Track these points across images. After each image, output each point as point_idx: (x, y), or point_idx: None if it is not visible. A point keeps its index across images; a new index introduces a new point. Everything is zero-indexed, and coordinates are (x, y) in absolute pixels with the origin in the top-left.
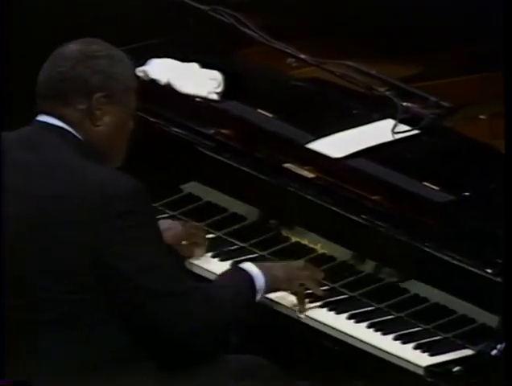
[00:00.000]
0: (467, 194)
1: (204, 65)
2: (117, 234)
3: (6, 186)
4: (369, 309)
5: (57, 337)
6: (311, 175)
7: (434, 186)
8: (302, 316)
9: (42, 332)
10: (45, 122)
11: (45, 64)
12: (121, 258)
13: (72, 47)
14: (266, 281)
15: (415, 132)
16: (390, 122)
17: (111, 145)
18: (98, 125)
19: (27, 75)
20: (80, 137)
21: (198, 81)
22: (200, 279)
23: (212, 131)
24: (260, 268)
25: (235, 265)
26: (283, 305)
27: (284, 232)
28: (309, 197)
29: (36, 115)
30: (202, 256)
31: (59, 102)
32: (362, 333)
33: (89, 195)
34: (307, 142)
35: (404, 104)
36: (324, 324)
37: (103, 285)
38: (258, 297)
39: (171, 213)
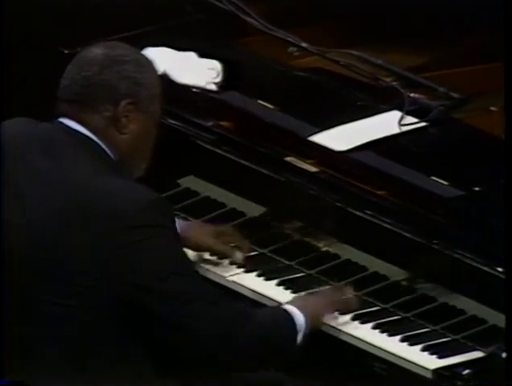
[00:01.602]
0: (477, 189)
1: (203, 54)
2: (128, 248)
3: (18, 191)
4: (375, 309)
5: (65, 352)
6: (314, 169)
7: (442, 181)
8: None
9: (49, 346)
10: (68, 126)
11: (68, 68)
12: (134, 271)
13: (97, 51)
14: (307, 321)
15: (423, 124)
16: (396, 114)
17: (135, 154)
18: (124, 133)
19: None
20: (103, 145)
21: (196, 71)
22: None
23: (210, 123)
24: (299, 308)
25: (275, 305)
26: None
27: (285, 229)
28: (312, 192)
29: (53, 116)
30: (241, 259)
31: (84, 108)
32: (367, 334)
33: (102, 209)
34: (310, 135)
35: (411, 94)
36: (327, 325)
37: (116, 299)
38: (300, 337)
39: None
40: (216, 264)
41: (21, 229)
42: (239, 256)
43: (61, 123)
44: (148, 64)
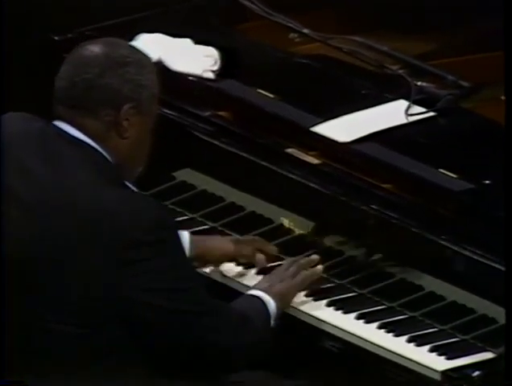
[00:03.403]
0: (487, 182)
1: (199, 41)
2: (129, 265)
3: (16, 202)
4: (380, 308)
5: (67, 361)
6: (316, 161)
7: (451, 174)
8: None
9: (50, 355)
10: (65, 132)
11: (65, 68)
12: (138, 290)
13: (97, 51)
14: (277, 304)
15: (431, 114)
16: (403, 103)
17: (135, 156)
18: (125, 137)
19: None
20: (103, 151)
21: (192, 58)
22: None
23: (207, 113)
24: (268, 292)
25: (248, 294)
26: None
27: (287, 224)
28: (314, 185)
29: (51, 117)
30: (264, 263)
31: (83, 112)
32: (373, 334)
33: (103, 223)
34: (312, 125)
35: (419, 83)
36: (331, 324)
37: (117, 315)
38: (272, 322)
39: (163, 203)
40: (241, 275)
41: (18, 240)
42: (262, 258)
43: (59, 128)
44: (149, 64)
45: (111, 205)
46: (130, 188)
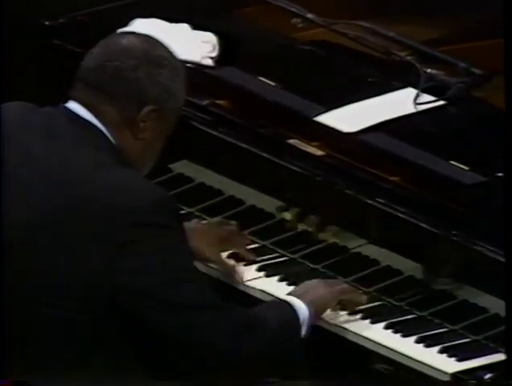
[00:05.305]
0: (500, 174)
1: (197, 26)
2: (128, 248)
3: (17, 185)
4: (387, 307)
5: (65, 353)
6: (319, 153)
7: (462, 166)
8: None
9: (48, 347)
10: (77, 114)
11: (97, 50)
12: (132, 273)
13: (135, 43)
14: (310, 311)
15: (441, 103)
16: (411, 92)
17: (143, 159)
18: (139, 139)
19: None
20: (111, 138)
21: (189, 44)
22: None
23: (205, 102)
24: (301, 297)
25: (275, 299)
26: None
27: (288, 219)
28: (317, 178)
29: (65, 96)
30: (242, 280)
31: (103, 97)
32: (379, 334)
33: (104, 204)
34: (316, 115)
35: (428, 70)
36: (336, 325)
37: (114, 302)
38: (304, 330)
39: None
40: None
41: (20, 225)
42: (241, 277)
43: (69, 110)
44: (182, 72)
45: (110, 184)
46: (132, 169)
